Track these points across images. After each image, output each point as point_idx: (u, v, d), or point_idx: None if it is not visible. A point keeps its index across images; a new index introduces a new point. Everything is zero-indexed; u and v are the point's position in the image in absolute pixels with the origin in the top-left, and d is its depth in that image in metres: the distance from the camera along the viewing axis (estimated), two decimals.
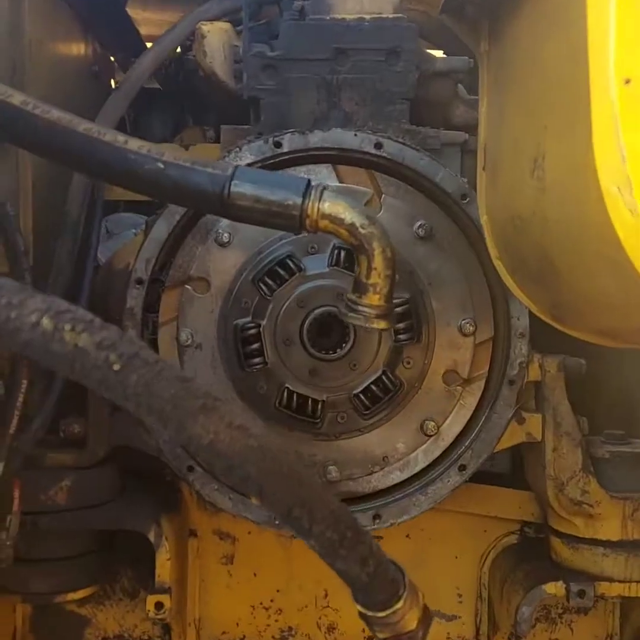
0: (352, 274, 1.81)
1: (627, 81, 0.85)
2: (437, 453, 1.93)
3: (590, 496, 1.85)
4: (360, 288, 1.51)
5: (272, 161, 1.88)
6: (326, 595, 2.20)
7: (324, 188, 1.45)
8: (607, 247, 0.90)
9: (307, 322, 1.82)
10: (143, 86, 2.23)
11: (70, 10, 2.30)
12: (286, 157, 1.88)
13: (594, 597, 1.81)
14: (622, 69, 0.85)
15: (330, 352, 1.83)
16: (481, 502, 2.13)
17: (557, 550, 1.93)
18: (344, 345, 1.82)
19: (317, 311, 1.82)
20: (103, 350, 0.82)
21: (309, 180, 1.47)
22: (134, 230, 2.27)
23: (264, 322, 1.83)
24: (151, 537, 1.82)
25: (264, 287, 1.84)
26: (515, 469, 2.20)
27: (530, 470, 2.02)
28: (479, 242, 1.89)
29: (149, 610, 1.80)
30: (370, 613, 0.98)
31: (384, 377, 1.86)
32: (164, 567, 1.82)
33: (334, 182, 1.90)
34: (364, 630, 2.19)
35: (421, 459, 1.93)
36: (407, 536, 2.16)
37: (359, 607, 1.00)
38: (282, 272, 1.84)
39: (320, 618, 2.20)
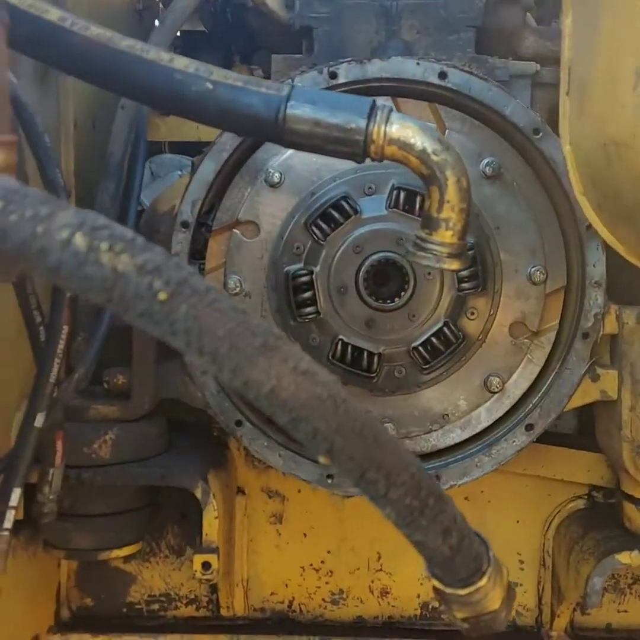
0: (413, 216, 1.69)
1: None
2: (502, 411, 1.80)
3: None
4: (430, 224, 1.36)
5: None
6: (379, 558, 2.10)
7: (391, 109, 1.30)
8: None
9: (363, 268, 1.69)
10: (187, 29, 2.10)
11: None
12: (342, 88, 1.73)
13: None
14: None
15: (388, 301, 1.70)
16: (546, 464, 2.01)
17: (631, 518, 1.80)
18: (402, 294, 1.70)
19: (374, 257, 1.69)
20: (146, 275, 0.67)
21: (374, 101, 1.32)
22: (179, 172, 2.15)
23: (317, 269, 1.71)
24: (198, 494, 1.73)
25: (317, 231, 1.71)
26: (582, 429, 2.07)
27: (602, 431, 1.87)
28: (551, 182, 1.74)
29: (196, 570, 1.72)
30: (449, 590, 0.86)
31: (445, 329, 1.73)
32: (211, 526, 1.73)
33: None
34: (418, 596, 2.11)
35: (484, 417, 1.80)
36: (466, 499, 2.04)
37: (435, 583, 0.87)
38: (336, 214, 1.71)
39: (373, 582, 2.11)
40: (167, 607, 2.08)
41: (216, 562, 1.70)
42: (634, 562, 1.72)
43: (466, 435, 1.81)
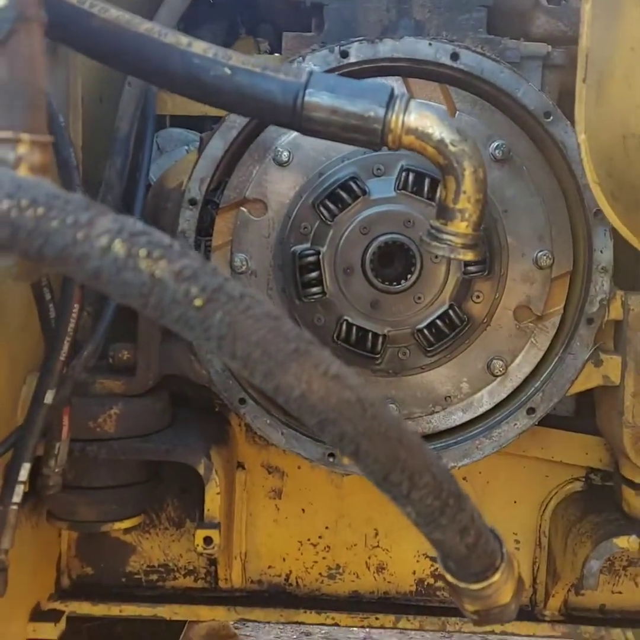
0: (421, 198, 1.69)
1: None
2: (504, 394, 1.81)
3: None
4: (446, 214, 1.35)
5: (337, 73, 1.71)
6: (377, 534, 2.12)
7: (410, 98, 1.29)
8: None
9: (370, 250, 1.69)
10: None
11: None
12: (353, 68, 1.72)
13: None
14: None
15: (394, 283, 1.70)
16: (544, 446, 2.02)
17: (629, 502, 1.82)
18: (409, 276, 1.70)
19: (381, 239, 1.69)
20: (183, 282, 0.68)
21: (393, 89, 1.31)
22: (186, 147, 2.13)
23: (323, 249, 1.71)
24: (201, 470, 1.75)
25: (324, 212, 1.71)
26: (580, 412, 2.08)
27: (603, 416, 1.89)
28: (560, 167, 1.74)
29: (197, 545, 1.74)
30: (462, 585, 0.88)
31: (450, 312, 1.74)
32: (213, 502, 1.75)
33: None
34: (414, 572, 2.14)
35: (486, 400, 1.82)
36: (464, 479, 2.06)
37: (448, 577, 0.89)
38: (344, 195, 1.71)
39: (369, 557, 2.13)
40: (165, 577, 2.10)
41: (218, 537, 1.72)
42: (631, 546, 1.74)
43: (468, 417, 1.82)
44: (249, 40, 2.54)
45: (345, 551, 2.13)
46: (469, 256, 1.37)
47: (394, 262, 1.73)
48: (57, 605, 1.98)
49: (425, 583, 2.12)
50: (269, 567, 2.13)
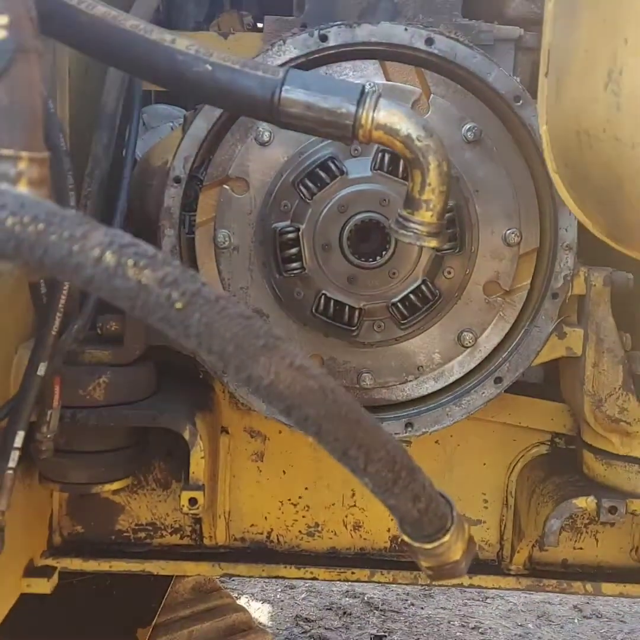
0: (396, 178, 1.76)
1: None
2: (473, 364, 1.91)
3: (629, 414, 1.83)
4: (412, 204, 1.44)
5: (317, 55, 1.78)
6: (353, 495, 2.23)
7: (380, 95, 1.37)
8: None
9: (347, 227, 1.77)
10: None
11: None
12: (332, 51, 1.78)
13: (626, 514, 1.81)
14: None
15: (370, 259, 1.79)
16: (512, 412, 2.12)
17: (589, 465, 1.93)
18: (384, 253, 1.78)
19: (358, 217, 1.77)
20: (165, 287, 0.78)
21: (364, 87, 1.39)
22: (170, 124, 2.20)
23: (303, 227, 1.79)
24: (186, 436, 1.84)
25: (304, 190, 1.79)
26: (548, 380, 2.18)
27: (567, 385, 2.00)
28: (529, 149, 1.82)
29: (183, 505, 1.84)
30: (416, 544, 0.99)
31: (423, 287, 1.83)
32: (198, 465, 1.85)
33: (380, 80, 1.81)
34: (388, 530, 2.25)
35: (456, 369, 1.92)
36: (436, 442, 2.17)
37: (404, 537, 1.00)
38: (323, 174, 1.78)
39: (346, 516, 2.24)
40: (153, 535, 2.21)
41: (202, 498, 1.82)
42: (589, 506, 1.85)
43: (439, 386, 1.93)
44: (233, 14, 2.58)
45: (324, 510, 2.24)
46: (433, 243, 1.46)
47: (370, 238, 1.81)
48: (50, 561, 2.08)
49: (399, 540, 2.23)
50: (252, 525, 2.24)
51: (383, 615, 4.27)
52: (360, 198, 1.77)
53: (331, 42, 1.77)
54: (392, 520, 2.23)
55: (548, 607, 4.40)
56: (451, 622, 4.24)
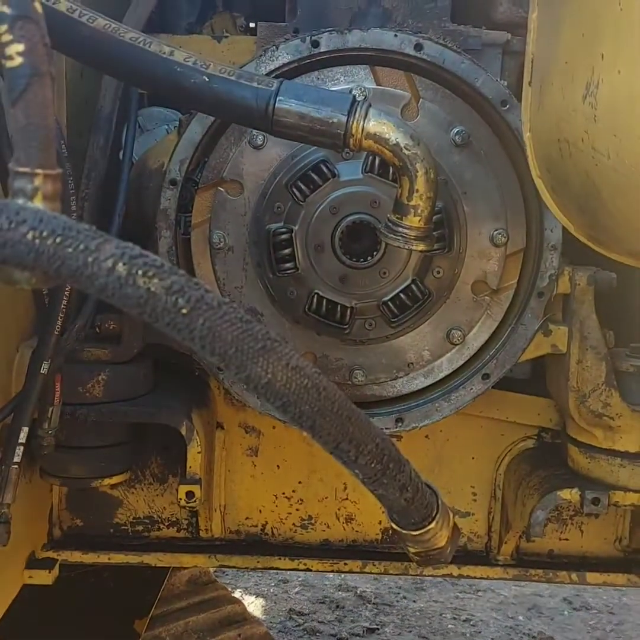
0: (386, 180, 1.81)
1: None
2: (461, 361, 1.97)
3: (612, 409, 1.88)
4: (401, 209, 1.50)
5: (308, 61, 1.83)
6: (345, 488, 2.28)
7: (370, 105, 1.43)
8: None
9: (339, 229, 1.82)
10: None
11: None
12: (323, 57, 1.83)
13: (608, 506, 1.87)
14: None
15: (361, 259, 1.84)
16: (500, 407, 2.17)
17: (574, 459, 1.99)
18: (374, 253, 1.83)
19: (349, 218, 1.82)
20: (172, 295, 0.84)
21: (354, 97, 1.44)
22: (166, 126, 2.24)
23: (296, 228, 1.84)
24: (183, 431, 1.89)
25: (296, 192, 1.84)
26: (535, 376, 2.23)
27: (552, 381, 2.05)
28: (516, 152, 1.87)
29: (180, 499, 1.89)
30: (404, 532, 1.05)
31: (413, 286, 1.88)
32: (195, 460, 1.90)
33: (371, 85, 1.86)
34: (380, 522, 2.30)
35: (445, 366, 1.97)
36: (426, 437, 2.23)
37: (393, 525, 1.06)
38: (315, 177, 1.83)
39: (339, 509, 2.30)
40: (150, 528, 2.26)
41: (199, 491, 1.88)
42: (573, 498, 1.91)
43: (428, 382, 1.98)
44: (226, 15, 2.63)
45: (317, 503, 2.29)
46: (421, 247, 1.51)
47: (362, 239, 1.86)
48: (51, 554, 2.13)
49: (390, 532, 2.28)
50: (247, 518, 2.29)
51: (376, 608, 4.33)
52: (352, 200, 1.82)
53: (323, 48, 1.82)
54: (383, 513, 2.28)
55: (538, 599, 4.47)
56: (443, 615, 4.31)
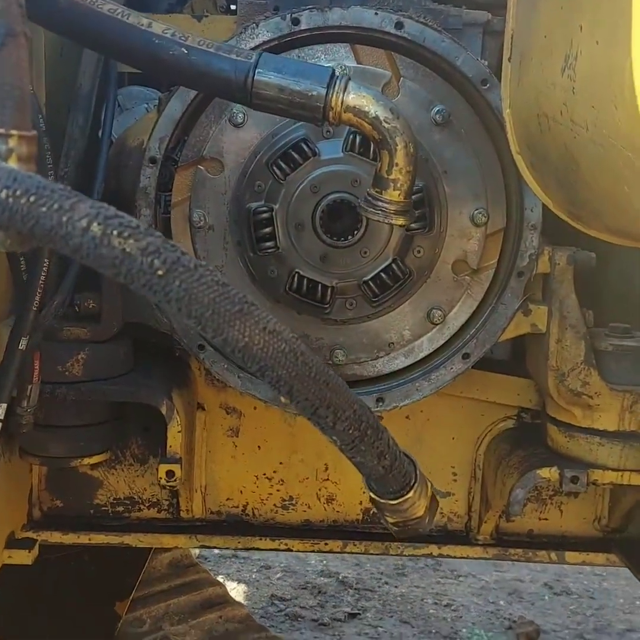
0: (367, 159, 1.81)
1: None
2: (442, 341, 1.97)
3: (591, 388, 1.89)
4: (380, 183, 1.50)
5: (289, 39, 1.82)
6: (326, 468, 2.28)
7: (349, 79, 1.42)
8: (637, 155, 0.90)
9: (319, 207, 1.82)
10: None
11: None
12: (304, 34, 1.82)
13: (587, 484, 1.89)
14: None
15: (342, 238, 1.83)
16: (480, 388, 2.18)
17: (553, 438, 2.00)
18: (355, 232, 1.83)
19: (330, 197, 1.81)
20: (148, 256, 0.83)
21: (334, 70, 1.43)
22: (145, 105, 2.23)
23: (276, 207, 1.83)
24: (163, 410, 1.88)
25: (277, 171, 1.83)
26: (515, 356, 2.24)
27: (532, 360, 2.06)
28: (496, 131, 1.86)
29: (160, 478, 1.89)
30: (382, 500, 1.05)
31: (393, 266, 1.88)
32: (175, 439, 1.90)
33: (351, 63, 1.85)
34: (361, 503, 2.31)
35: (426, 346, 1.98)
36: (407, 417, 2.23)
37: (371, 494, 1.07)
38: (296, 155, 1.82)
39: (320, 490, 2.30)
40: (131, 509, 2.25)
41: (179, 471, 1.88)
42: (552, 476, 1.92)
43: (409, 362, 1.98)
44: None
45: (298, 484, 2.29)
46: (400, 221, 1.51)
47: (342, 218, 1.85)
48: (30, 534, 2.12)
49: (370, 512, 2.29)
50: (228, 499, 2.29)
51: (357, 593, 4.35)
52: (332, 179, 1.81)
53: (303, 26, 1.80)
54: (364, 493, 2.26)
55: (519, 584, 4.51)
56: (424, 600, 4.33)
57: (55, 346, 1.82)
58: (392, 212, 1.50)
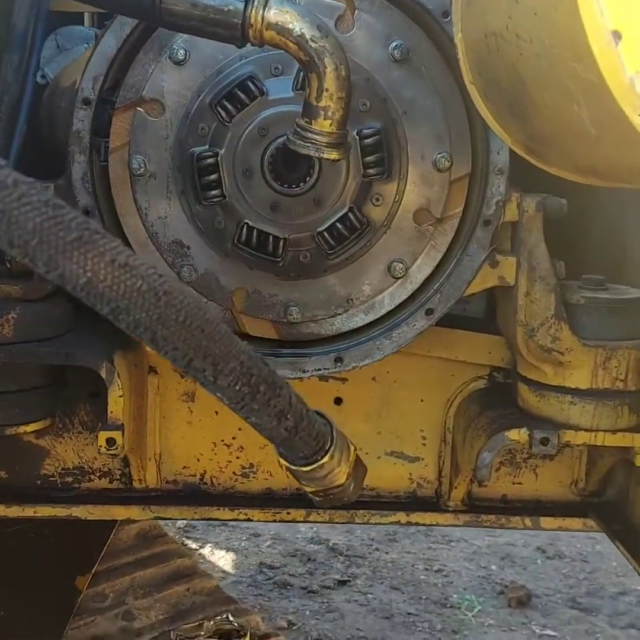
0: None
1: None
2: (404, 296, 1.85)
3: (561, 343, 1.77)
4: (309, 112, 1.36)
5: None
6: None
7: None
8: (581, 65, 0.77)
9: (268, 152, 1.69)
10: None
11: None
12: None
13: (558, 445, 1.77)
14: None
15: (293, 186, 1.70)
16: (449, 347, 2.06)
17: (523, 397, 1.88)
18: (308, 179, 1.69)
19: (279, 140, 1.68)
20: None
21: None
22: (86, 45, 2.07)
23: (222, 151, 1.70)
24: (103, 374, 1.76)
25: (222, 112, 1.69)
26: (490, 313, 2.13)
27: (501, 315, 1.94)
28: (459, 68, 1.72)
29: (100, 446, 1.77)
30: (294, 467, 0.92)
31: (350, 215, 1.75)
32: (116, 404, 1.78)
33: None
34: None
35: (387, 302, 1.85)
36: (373, 379, 2.12)
37: (282, 461, 0.93)
38: (242, 95, 1.69)
39: None
40: (80, 479, 2.14)
41: (120, 438, 1.75)
42: (521, 438, 1.80)
43: (369, 319, 1.86)
44: None
45: (259, 451, 2.18)
46: (333, 155, 1.37)
47: (295, 164, 1.72)
48: None
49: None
50: (184, 467, 2.18)
51: (347, 560, 4.28)
52: (282, 120, 1.67)
53: None
54: None
55: (511, 549, 4.44)
56: (415, 566, 4.27)
57: None
58: (323, 144, 1.36)
